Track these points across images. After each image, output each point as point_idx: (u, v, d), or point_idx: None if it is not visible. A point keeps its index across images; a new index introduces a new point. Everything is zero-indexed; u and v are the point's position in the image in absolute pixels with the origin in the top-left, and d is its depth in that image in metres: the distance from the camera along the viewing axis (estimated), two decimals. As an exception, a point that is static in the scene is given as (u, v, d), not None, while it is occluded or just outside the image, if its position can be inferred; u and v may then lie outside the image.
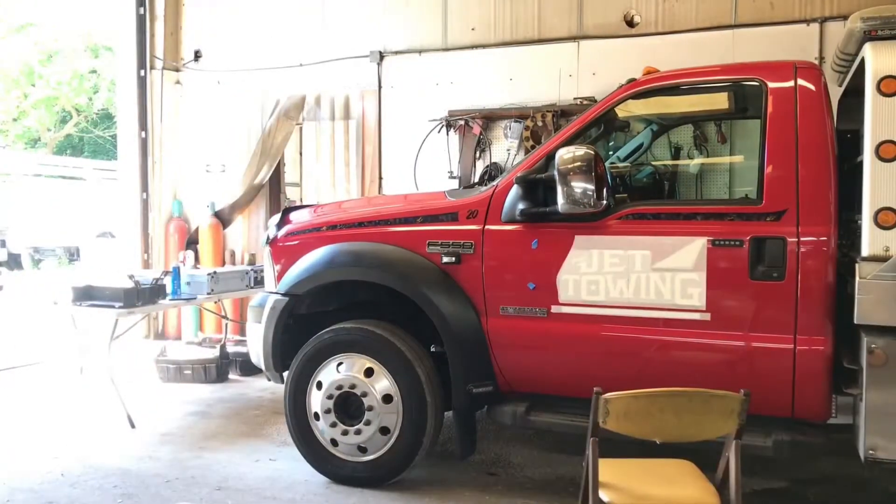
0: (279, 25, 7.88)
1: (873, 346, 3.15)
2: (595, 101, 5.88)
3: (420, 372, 4.04)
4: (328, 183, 7.64)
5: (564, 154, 3.56)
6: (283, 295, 4.41)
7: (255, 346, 4.57)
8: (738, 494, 2.80)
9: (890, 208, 3.17)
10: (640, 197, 4.57)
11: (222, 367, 6.76)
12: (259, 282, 6.41)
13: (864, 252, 3.22)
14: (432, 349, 4.23)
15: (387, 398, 4.08)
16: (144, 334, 8.24)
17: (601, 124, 4.42)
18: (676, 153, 6.06)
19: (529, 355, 3.95)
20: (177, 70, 8.36)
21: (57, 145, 25.32)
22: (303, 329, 4.42)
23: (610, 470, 2.94)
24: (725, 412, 2.75)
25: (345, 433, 4.16)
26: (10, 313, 9.93)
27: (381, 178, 7.46)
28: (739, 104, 4.45)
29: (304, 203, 7.60)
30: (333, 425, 4.17)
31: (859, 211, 3.29)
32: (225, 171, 8.19)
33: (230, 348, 6.95)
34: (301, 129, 7.99)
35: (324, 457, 4.26)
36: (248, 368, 6.64)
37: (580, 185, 3.52)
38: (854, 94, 3.68)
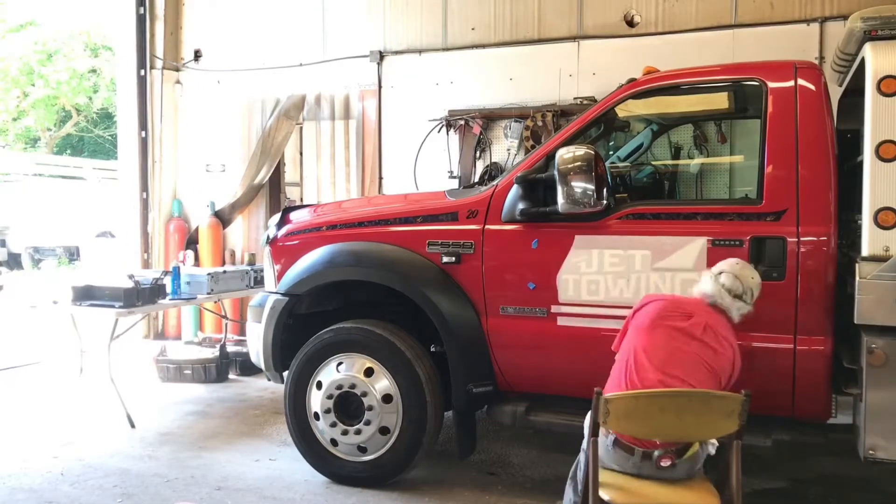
0: (279, 25, 7.88)
1: (873, 346, 3.15)
2: (595, 101, 5.88)
3: (420, 372, 4.04)
4: (328, 183, 7.63)
5: (564, 154, 3.56)
6: (283, 295, 4.41)
7: (255, 345, 4.57)
8: (739, 494, 2.80)
9: (890, 208, 3.17)
10: (640, 197, 4.57)
11: (222, 367, 6.76)
12: (259, 282, 6.41)
13: (864, 252, 3.22)
14: (432, 349, 4.23)
15: (387, 398, 4.08)
16: (144, 334, 8.24)
17: (601, 124, 4.43)
18: (676, 153, 6.06)
19: (529, 355, 3.95)
20: (177, 70, 8.36)
21: (57, 145, 25.32)
22: (303, 329, 4.42)
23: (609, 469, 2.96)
24: (725, 412, 2.75)
25: (345, 433, 4.16)
26: (10, 313, 9.92)
27: (381, 177, 7.46)
28: (739, 104, 4.45)
29: (304, 203, 7.60)
30: (333, 425, 4.17)
31: (859, 211, 3.29)
32: (225, 170, 8.19)
33: (230, 348, 6.95)
34: (301, 128, 7.99)
35: (324, 457, 4.26)
36: (248, 368, 6.64)
37: (580, 185, 3.52)
38: (854, 94, 3.68)
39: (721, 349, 3.05)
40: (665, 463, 2.87)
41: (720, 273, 3.20)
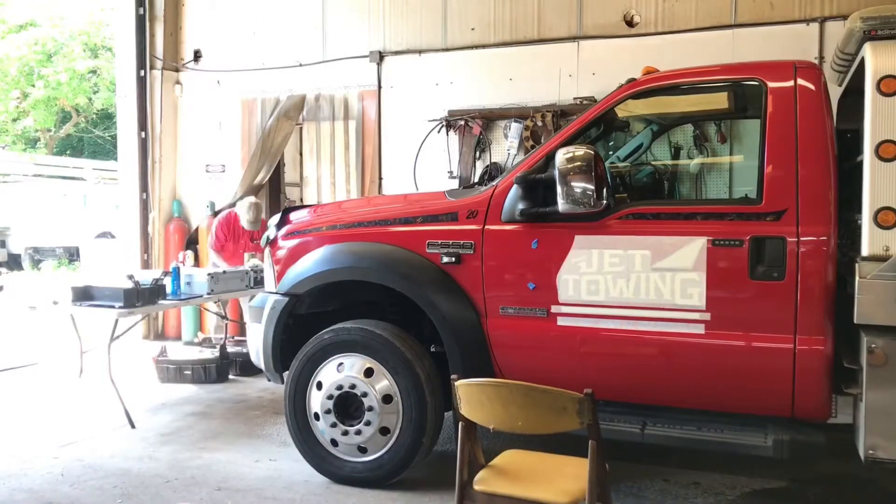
0: (279, 25, 7.89)
1: (873, 346, 3.15)
2: (595, 101, 5.88)
3: (420, 372, 4.04)
4: (328, 183, 7.64)
5: (564, 154, 3.55)
6: (283, 295, 4.41)
7: (256, 346, 4.57)
8: (592, 497, 2.68)
9: (890, 208, 3.17)
10: (640, 197, 4.57)
11: (222, 368, 6.76)
12: (259, 282, 6.41)
13: (864, 252, 3.22)
14: (432, 349, 4.23)
15: (387, 398, 4.08)
16: (144, 335, 8.25)
17: (601, 124, 4.42)
18: (676, 153, 6.07)
19: (529, 355, 3.94)
20: (176, 70, 8.37)
21: (57, 145, 25.33)
22: (303, 329, 4.43)
23: (513, 458, 3.12)
24: (555, 408, 2.68)
25: (345, 433, 4.16)
26: (9, 314, 9.93)
27: (381, 178, 7.46)
28: (739, 104, 4.45)
29: (304, 203, 7.61)
30: (333, 425, 4.17)
31: (859, 211, 3.29)
32: (224, 171, 8.20)
33: (230, 348, 6.95)
34: (301, 129, 8.00)
35: (324, 457, 4.26)
36: (248, 369, 6.64)
37: (580, 185, 3.51)
38: (854, 94, 3.68)
39: None
40: None
41: None
